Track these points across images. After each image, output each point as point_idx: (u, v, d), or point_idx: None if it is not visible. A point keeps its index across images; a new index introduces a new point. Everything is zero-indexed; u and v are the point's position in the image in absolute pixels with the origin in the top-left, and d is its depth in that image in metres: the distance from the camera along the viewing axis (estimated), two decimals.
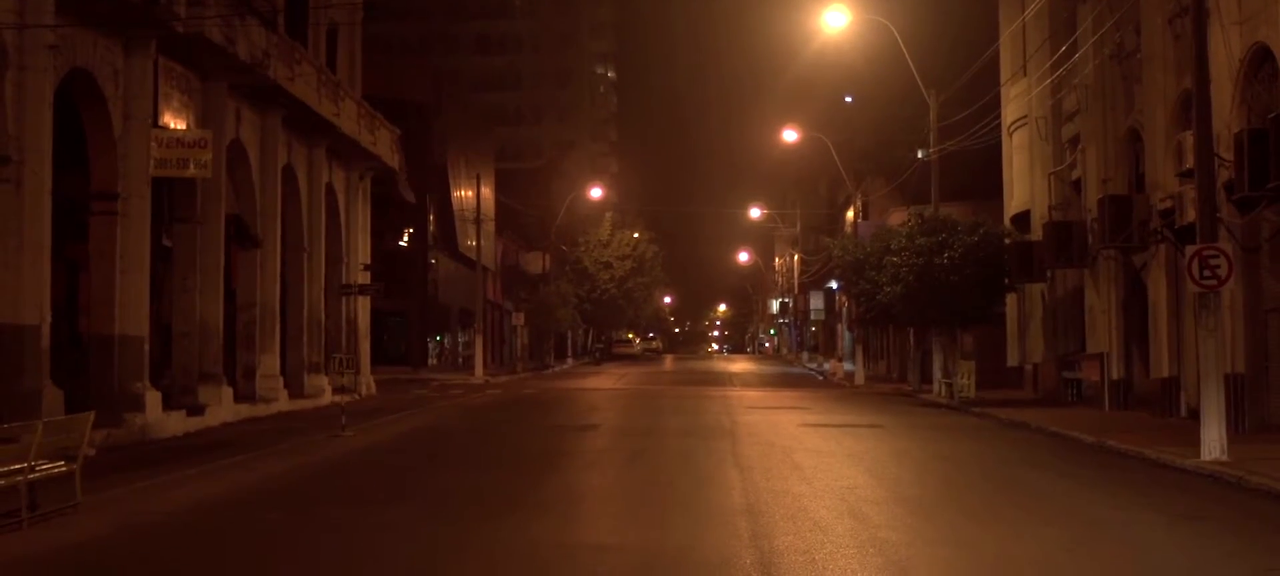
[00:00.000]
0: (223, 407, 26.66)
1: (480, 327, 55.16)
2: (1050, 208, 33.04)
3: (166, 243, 27.14)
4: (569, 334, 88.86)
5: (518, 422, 27.72)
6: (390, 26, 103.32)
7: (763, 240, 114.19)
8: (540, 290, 75.16)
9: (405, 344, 59.30)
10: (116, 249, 23.05)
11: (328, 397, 33.31)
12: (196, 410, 25.36)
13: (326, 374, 35.21)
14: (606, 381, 50.23)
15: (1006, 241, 35.11)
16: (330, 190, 36.88)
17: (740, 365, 79.73)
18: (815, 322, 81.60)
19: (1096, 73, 29.36)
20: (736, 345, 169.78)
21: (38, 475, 12.56)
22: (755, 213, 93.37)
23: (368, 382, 38.83)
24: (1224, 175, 21.01)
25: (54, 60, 20.60)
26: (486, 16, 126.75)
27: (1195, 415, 19.53)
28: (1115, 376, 29.19)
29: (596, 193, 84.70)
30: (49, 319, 20.46)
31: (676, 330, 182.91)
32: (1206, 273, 17.90)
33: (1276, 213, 21.72)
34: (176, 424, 23.83)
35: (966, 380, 34.51)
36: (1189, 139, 20.96)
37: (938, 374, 36.91)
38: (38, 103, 20.06)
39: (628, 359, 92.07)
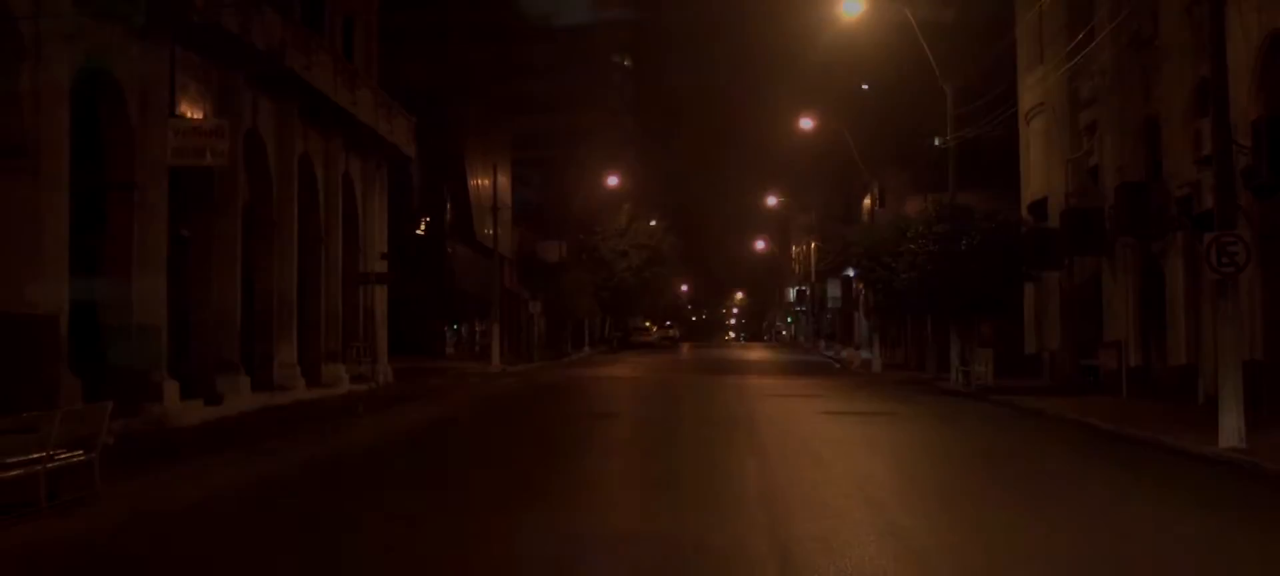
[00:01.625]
0: (240, 397, 26.72)
1: (497, 316, 55.18)
2: (1067, 195, 32.96)
3: (184, 232, 27.22)
4: (586, 322, 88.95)
5: (535, 412, 27.74)
6: (407, 15, 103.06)
7: (780, 228, 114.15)
8: (558, 278, 75.17)
9: (422, 332, 59.36)
10: (134, 239, 23.12)
11: (345, 386, 33.42)
12: (214, 399, 25.43)
13: (344, 362, 35.36)
14: (624, 370, 50.27)
15: (1023, 229, 35.02)
16: (347, 179, 36.93)
17: (757, 353, 79.71)
18: (832, 310, 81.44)
19: (1114, 60, 29.25)
20: (753, 333, 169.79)
21: (56, 464, 12.62)
22: (772, 201, 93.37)
23: (385, 371, 38.92)
24: (1242, 162, 20.93)
25: (71, 51, 20.66)
26: (503, 5, 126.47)
27: (1213, 402, 19.44)
28: (1132, 364, 29.09)
29: (613, 181, 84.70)
30: (67, 309, 20.55)
31: (694, 318, 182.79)
32: (1224, 259, 17.82)
33: None
34: (194, 413, 23.89)
35: (984, 368, 34.44)
36: (1207, 126, 20.86)
37: (955, 361, 36.83)
38: (55, 93, 20.12)
39: (645, 347, 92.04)
